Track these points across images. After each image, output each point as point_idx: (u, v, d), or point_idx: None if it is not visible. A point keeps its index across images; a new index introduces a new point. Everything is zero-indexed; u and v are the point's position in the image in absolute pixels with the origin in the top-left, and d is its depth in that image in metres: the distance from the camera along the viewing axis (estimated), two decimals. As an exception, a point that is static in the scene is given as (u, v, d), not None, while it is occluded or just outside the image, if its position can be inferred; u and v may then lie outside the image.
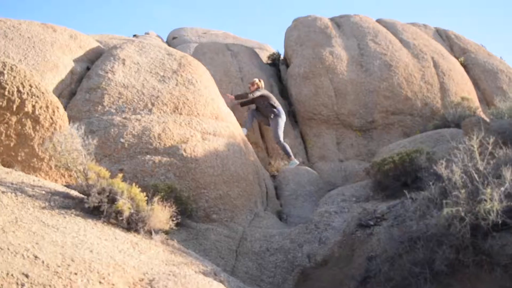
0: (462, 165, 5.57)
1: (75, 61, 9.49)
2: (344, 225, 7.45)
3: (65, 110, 8.73)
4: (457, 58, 15.53)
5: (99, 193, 4.93)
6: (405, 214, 6.77)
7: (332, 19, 15.64)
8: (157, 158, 7.74)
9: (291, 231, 7.72)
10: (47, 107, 6.08)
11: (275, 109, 11.33)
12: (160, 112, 8.57)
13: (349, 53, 13.81)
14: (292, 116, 13.61)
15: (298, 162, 11.51)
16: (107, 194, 5.00)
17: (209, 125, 8.69)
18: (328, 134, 13.04)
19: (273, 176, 11.47)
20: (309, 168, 11.68)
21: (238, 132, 9.43)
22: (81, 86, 8.98)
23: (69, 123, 8.75)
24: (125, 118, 8.26)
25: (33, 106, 5.94)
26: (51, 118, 6.10)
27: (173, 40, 22.95)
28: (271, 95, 11.80)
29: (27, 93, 5.93)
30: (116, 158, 7.79)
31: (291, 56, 14.30)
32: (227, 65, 13.76)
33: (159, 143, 7.94)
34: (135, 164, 7.68)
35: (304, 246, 7.18)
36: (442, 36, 17.00)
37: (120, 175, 5.30)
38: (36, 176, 5.89)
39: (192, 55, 14.01)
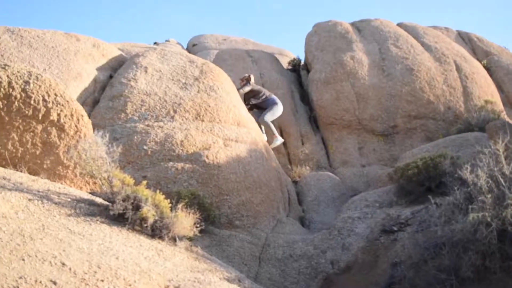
0: (487, 169, 5.49)
1: (98, 69, 9.62)
2: (368, 231, 7.40)
3: (89, 118, 8.91)
4: (480, 61, 15.35)
5: (123, 200, 4.99)
6: (429, 220, 6.68)
7: (352, 24, 15.60)
8: (179, 165, 7.79)
9: (314, 237, 7.70)
10: (71, 115, 6.17)
11: (269, 100, 11.39)
12: (182, 119, 8.63)
13: (370, 58, 13.76)
14: (314, 121, 13.60)
15: (282, 140, 11.70)
16: (132, 201, 5.06)
17: (231, 132, 8.72)
18: (350, 139, 12.99)
19: (295, 182, 11.45)
20: (331, 174, 11.63)
21: (259, 138, 9.44)
22: (104, 94, 9.10)
23: (93, 131, 8.92)
24: (148, 125, 8.34)
25: (58, 115, 6.04)
26: (76, 126, 6.20)
27: (193, 47, 23.12)
28: (261, 88, 11.83)
29: (52, 102, 6.03)
30: (139, 165, 7.86)
31: (311, 62, 14.30)
32: (248, 71, 13.80)
33: (182, 150, 7.99)
34: (158, 171, 7.74)
35: (328, 252, 7.16)
36: (465, 39, 16.84)
37: (144, 182, 5.36)
38: (62, 183, 5.98)
39: (213, 62, 14.12)
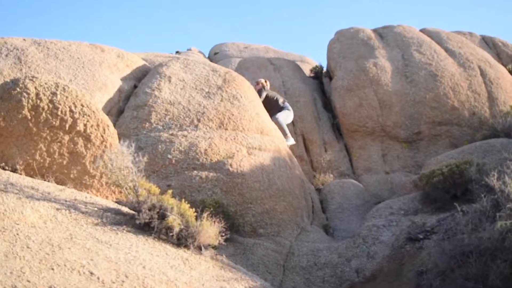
0: (515, 176, 5.42)
1: (123, 79, 9.76)
2: (393, 239, 7.33)
3: (115, 127, 9.04)
4: (505, 66, 15.09)
5: (149, 210, 5.05)
6: (456, 228, 6.59)
7: (375, 30, 15.53)
8: (203, 174, 7.84)
9: (339, 245, 7.66)
10: (97, 125, 6.28)
11: (283, 107, 11.48)
12: (206, 128, 8.68)
13: (393, 64, 13.67)
14: (337, 128, 13.56)
15: (294, 142, 11.57)
16: (157, 210, 5.11)
17: (254, 140, 8.74)
18: (374, 146, 12.91)
19: (318, 190, 11.41)
20: (354, 181, 11.57)
21: (283, 146, 9.45)
22: (129, 104, 9.22)
23: (119, 140, 9.04)
24: (172, 134, 8.42)
25: (85, 125, 6.16)
26: (102, 136, 6.30)
27: (214, 56, 23.26)
28: (276, 94, 11.83)
29: (79, 113, 6.15)
30: (164, 174, 7.93)
31: (334, 69, 14.27)
32: (270, 79, 13.82)
33: (206, 158, 8.03)
34: (182, 179, 7.79)
35: (352, 260, 7.11)
36: (489, 44, 16.59)
37: (170, 191, 5.41)
38: (88, 193, 6.08)
39: (236, 70, 14.18)
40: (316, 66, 16.57)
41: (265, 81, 11.80)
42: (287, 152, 9.51)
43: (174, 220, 5.01)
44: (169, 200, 5.26)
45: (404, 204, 8.43)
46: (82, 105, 6.21)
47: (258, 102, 9.92)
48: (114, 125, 8.93)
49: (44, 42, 9.78)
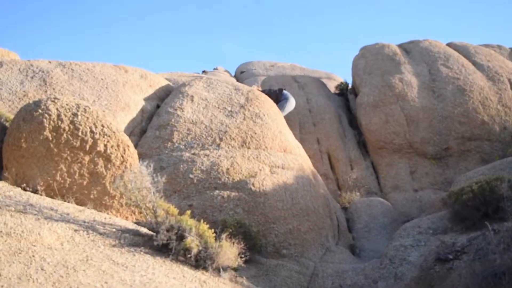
0: (549, 193, 5.16)
1: (146, 99, 9.79)
2: (421, 259, 7.07)
3: (136, 147, 9.01)
4: (537, 79, 14.69)
5: (167, 231, 4.96)
6: (487, 247, 6.33)
7: (400, 46, 15.32)
8: (225, 193, 7.74)
9: (365, 266, 7.43)
10: (118, 145, 6.26)
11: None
12: (228, 147, 8.61)
13: (420, 79, 13.42)
14: (363, 146, 13.32)
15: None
16: (176, 231, 5.02)
17: (277, 158, 8.62)
18: (401, 163, 12.62)
19: (344, 208, 11.19)
20: (382, 199, 11.30)
21: (307, 165, 9.30)
22: (152, 123, 9.23)
23: (140, 160, 8.99)
24: (194, 153, 8.36)
25: (105, 145, 6.14)
26: (122, 156, 6.27)
27: (241, 74, 23.30)
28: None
29: (99, 133, 6.14)
30: (186, 194, 7.86)
31: (359, 85, 14.09)
32: (295, 97, 13.72)
33: (228, 177, 7.94)
34: (204, 199, 7.70)
35: (379, 282, 6.87)
36: (519, 56, 16.21)
37: (188, 211, 5.31)
38: (108, 213, 6.04)
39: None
40: (341, 83, 16.42)
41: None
42: (311, 170, 9.35)
43: (192, 241, 4.91)
44: (187, 221, 5.16)
45: (433, 223, 8.15)
46: (103, 126, 6.20)
47: (281, 120, 9.82)
48: (136, 145, 8.98)
49: (69, 64, 9.90)
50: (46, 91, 9.03)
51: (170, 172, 8.05)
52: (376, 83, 13.47)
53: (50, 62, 10.00)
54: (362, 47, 15.36)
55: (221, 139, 8.71)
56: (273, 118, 9.52)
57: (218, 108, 9.48)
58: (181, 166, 8.12)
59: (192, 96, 9.68)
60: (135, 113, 9.33)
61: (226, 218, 7.19)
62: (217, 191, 7.78)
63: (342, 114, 14.11)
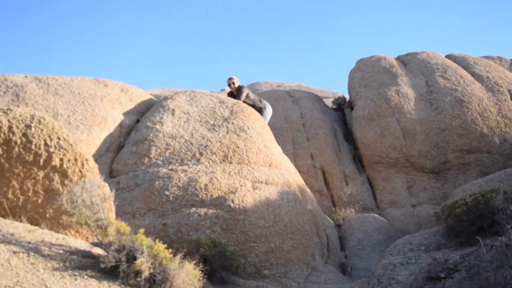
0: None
1: (125, 114, 9.42)
2: (411, 278, 6.55)
3: (112, 163, 8.63)
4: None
5: (118, 251, 4.50)
6: (480, 264, 5.84)
7: (398, 58, 14.93)
8: (202, 211, 7.28)
9: (352, 286, 6.92)
10: (75, 159, 5.82)
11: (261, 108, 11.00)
12: (209, 162, 8.18)
13: (417, 91, 12.97)
14: (359, 160, 12.84)
15: None
16: (127, 251, 4.56)
17: (261, 173, 8.19)
18: (398, 177, 12.12)
19: (339, 226, 10.69)
20: (377, 215, 10.79)
21: (294, 180, 8.84)
22: (129, 139, 8.84)
23: (116, 176, 8.58)
24: (171, 169, 7.94)
25: (61, 160, 5.70)
26: (80, 171, 5.82)
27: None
28: (254, 96, 11.23)
29: (55, 146, 5.71)
30: (161, 212, 7.41)
31: (354, 99, 13.67)
32: (288, 111, 13.35)
33: (206, 194, 7.50)
34: (179, 217, 7.25)
35: (365, 304, 6.37)
36: (520, 67, 15.73)
37: (142, 230, 4.85)
38: (66, 233, 5.59)
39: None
40: (339, 97, 16.02)
41: (233, 79, 11.16)
42: (299, 186, 8.88)
43: (142, 263, 4.44)
44: (142, 240, 4.70)
45: (425, 239, 7.63)
46: (59, 138, 5.77)
47: (267, 134, 9.39)
48: (113, 161, 8.59)
49: (45, 78, 9.56)
50: (18, 106, 8.66)
51: (144, 189, 7.63)
52: (371, 96, 13.04)
53: (26, 76, 9.67)
54: (359, 60, 14.98)
55: (201, 154, 8.29)
56: (258, 132, 9.10)
57: (200, 121, 9.08)
58: (157, 182, 7.69)
59: (173, 110, 9.29)
60: (113, 128, 8.94)
61: (200, 237, 6.74)
62: (194, 209, 7.33)
63: (337, 129, 13.67)
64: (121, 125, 9.16)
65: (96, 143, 8.63)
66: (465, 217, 7.13)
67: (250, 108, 9.82)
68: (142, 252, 4.48)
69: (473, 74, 13.51)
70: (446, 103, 12.47)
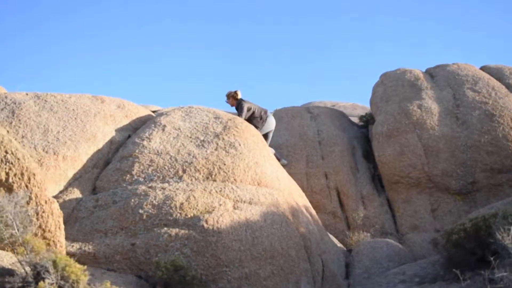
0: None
1: (118, 130, 9.12)
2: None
3: (97, 180, 8.29)
4: None
5: (29, 270, 4.05)
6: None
7: (426, 71, 13.94)
8: (174, 231, 6.79)
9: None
10: (22, 174, 5.55)
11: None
12: (191, 179, 7.69)
13: (442, 105, 11.98)
14: (378, 180, 11.95)
15: (286, 162, 11.00)
16: (36, 271, 4.11)
17: (245, 192, 7.61)
18: (420, 199, 11.14)
19: (350, 251, 9.88)
20: (390, 241, 9.86)
21: (285, 200, 8.18)
22: (117, 155, 8.50)
23: (98, 193, 8.21)
24: (150, 187, 7.50)
25: (7, 174, 5.44)
26: (26, 186, 5.52)
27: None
28: (256, 107, 10.62)
29: (1, 160, 5.46)
30: (133, 231, 6.97)
31: (375, 114, 12.85)
32: (304, 128, 12.68)
33: (180, 213, 7.01)
34: (149, 237, 6.78)
35: None
36: None
37: (63, 249, 4.38)
38: (12, 252, 5.25)
39: (270, 121, 13.14)
40: (366, 114, 15.14)
41: (236, 92, 10.57)
42: (290, 207, 8.19)
43: (50, 285, 3.96)
44: (60, 259, 4.23)
45: (422, 270, 6.77)
46: (6, 152, 5.52)
47: (261, 150, 8.80)
48: (98, 177, 8.25)
49: (44, 95, 9.45)
50: (11, 122, 8.53)
51: (119, 207, 7.23)
52: (391, 111, 12.18)
53: (27, 94, 9.59)
54: (383, 73, 14.09)
55: (184, 171, 7.81)
56: (251, 148, 8.53)
57: (190, 137, 8.62)
58: (132, 200, 7.26)
59: (164, 126, 8.89)
60: (101, 144, 8.63)
61: (160, 259, 6.22)
62: (165, 229, 6.84)
63: (356, 146, 12.82)
64: (111, 142, 8.86)
65: (82, 159, 8.35)
66: (467, 245, 6.24)
67: (246, 123, 9.29)
68: (51, 273, 4.00)
69: (508, 86, 12.36)
70: (474, 118, 11.43)
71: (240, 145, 8.49)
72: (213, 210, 7.11)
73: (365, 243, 9.66)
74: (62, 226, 5.93)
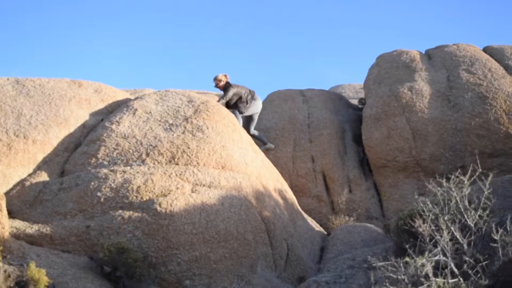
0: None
1: (92, 114, 9.22)
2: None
3: (66, 163, 8.42)
4: None
5: None
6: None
7: (426, 52, 13.51)
8: (127, 214, 6.85)
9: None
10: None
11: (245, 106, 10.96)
12: (154, 163, 7.74)
13: (434, 87, 11.61)
14: (366, 164, 11.73)
15: (273, 146, 11.67)
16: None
17: (206, 176, 7.60)
18: (407, 184, 10.90)
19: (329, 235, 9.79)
20: (369, 225, 9.70)
21: (250, 183, 8.12)
22: (86, 139, 8.60)
23: (65, 177, 8.33)
24: (112, 170, 7.57)
25: None
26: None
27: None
28: (241, 90, 10.87)
29: None
30: (90, 214, 7.06)
31: (366, 97, 12.56)
32: (294, 111, 12.52)
33: (136, 196, 7.05)
34: (104, 220, 6.87)
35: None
36: None
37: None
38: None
39: (263, 103, 13.04)
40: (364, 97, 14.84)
41: (225, 76, 10.71)
42: (254, 190, 8.13)
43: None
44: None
45: (374, 256, 6.60)
46: None
47: (231, 133, 8.74)
48: (66, 161, 8.37)
49: (23, 80, 9.64)
50: (-14, 107, 8.75)
51: (80, 190, 7.33)
52: (381, 94, 11.89)
53: (8, 79, 9.78)
54: (379, 55, 13.71)
55: (147, 155, 7.86)
56: (219, 131, 8.49)
57: (160, 121, 8.65)
58: (92, 183, 7.35)
59: (136, 109, 8.94)
60: (73, 128, 8.77)
61: (104, 242, 6.29)
62: (119, 211, 6.91)
63: (347, 130, 12.59)
64: (84, 126, 8.98)
65: (53, 143, 8.51)
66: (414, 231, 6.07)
67: (218, 106, 9.25)
68: None
69: (506, 67, 11.86)
70: (466, 100, 11.04)
71: (208, 128, 8.46)
72: (169, 193, 7.12)
73: (342, 227, 9.53)
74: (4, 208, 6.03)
